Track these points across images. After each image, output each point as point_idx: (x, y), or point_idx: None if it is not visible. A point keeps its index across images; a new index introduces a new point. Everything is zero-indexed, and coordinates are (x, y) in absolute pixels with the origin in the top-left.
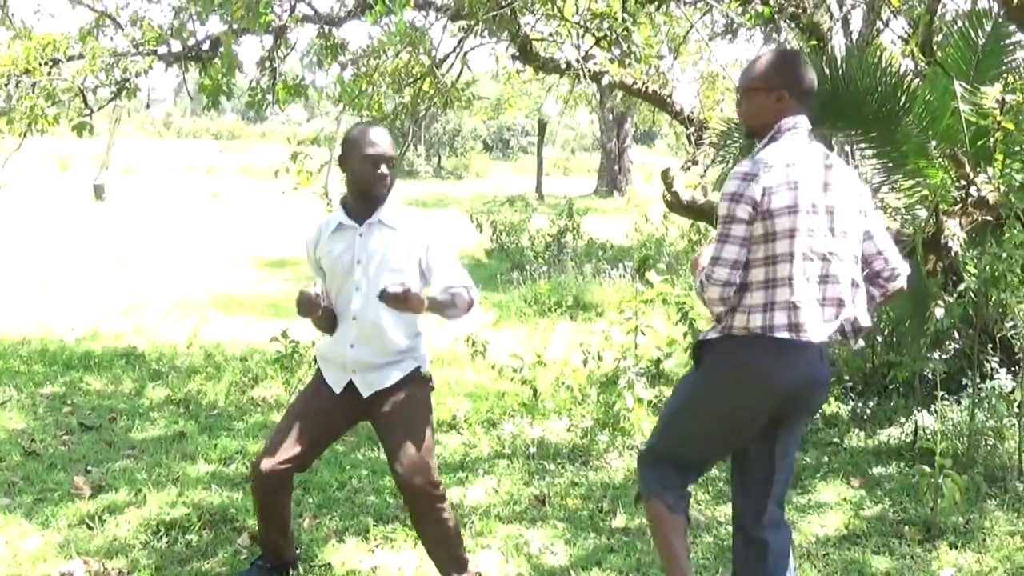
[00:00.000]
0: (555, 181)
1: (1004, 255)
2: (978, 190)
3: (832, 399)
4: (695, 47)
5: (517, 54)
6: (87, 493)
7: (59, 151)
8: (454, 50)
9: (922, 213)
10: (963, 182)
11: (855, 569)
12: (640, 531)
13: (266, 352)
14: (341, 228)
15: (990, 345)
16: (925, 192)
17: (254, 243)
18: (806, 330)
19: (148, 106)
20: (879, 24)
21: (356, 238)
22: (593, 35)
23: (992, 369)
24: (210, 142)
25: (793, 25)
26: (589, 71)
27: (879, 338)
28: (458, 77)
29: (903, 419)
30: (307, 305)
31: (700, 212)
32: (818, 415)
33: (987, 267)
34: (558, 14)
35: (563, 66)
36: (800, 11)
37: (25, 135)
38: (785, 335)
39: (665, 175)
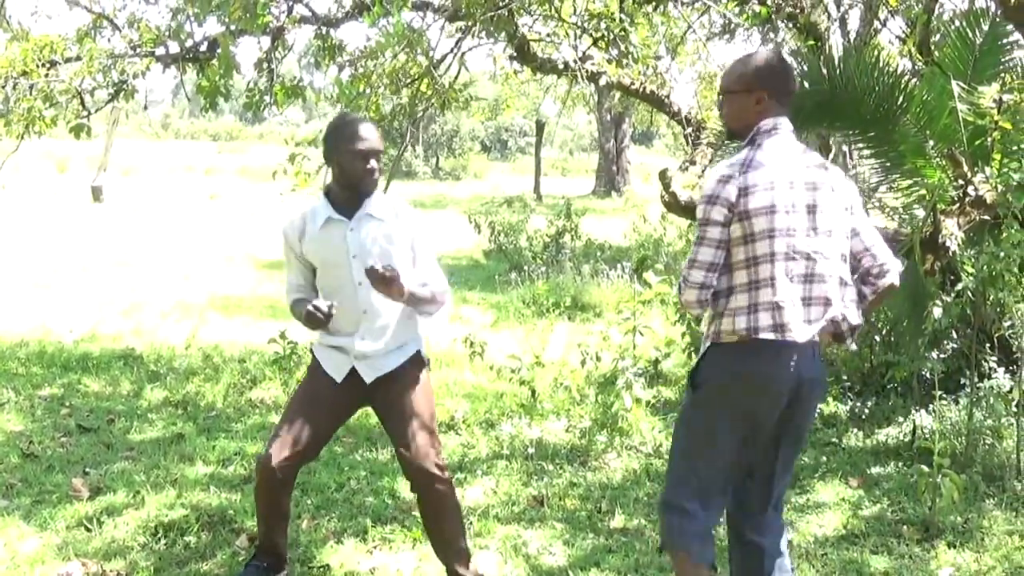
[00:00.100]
0: (553, 182)
1: (1002, 254)
2: (976, 189)
3: (830, 399)
4: (693, 47)
5: (515, 55)
6: (85, 495)
7: (57, 153)
8: (452, 51)
9: (920, 213)
10: (961, 181)
11: (853, 569)
12: (639, 531)
13: (264, 353)
14: (330, 222)
15: (988, 344)
16: (923, 192)
17: (252, 244)
18: (790, 330)
19: (146, 107)
20: (876, 24)
21: (347, 232)
22: (591, 35)
23: (990, 368)
24: (208, 143)
25: (790, 25)
26: (587, 72)
27: (877, 338)
28: (456, 78)
29: (901, 419)
30: (321, 323)
31: None
32: (816, 415)
33: (985, 266)
34: (556, 15)
35: (561, 67)
36: (797, 11)
37: (23, 137)
38: (770, 336)
39: (663, 175)
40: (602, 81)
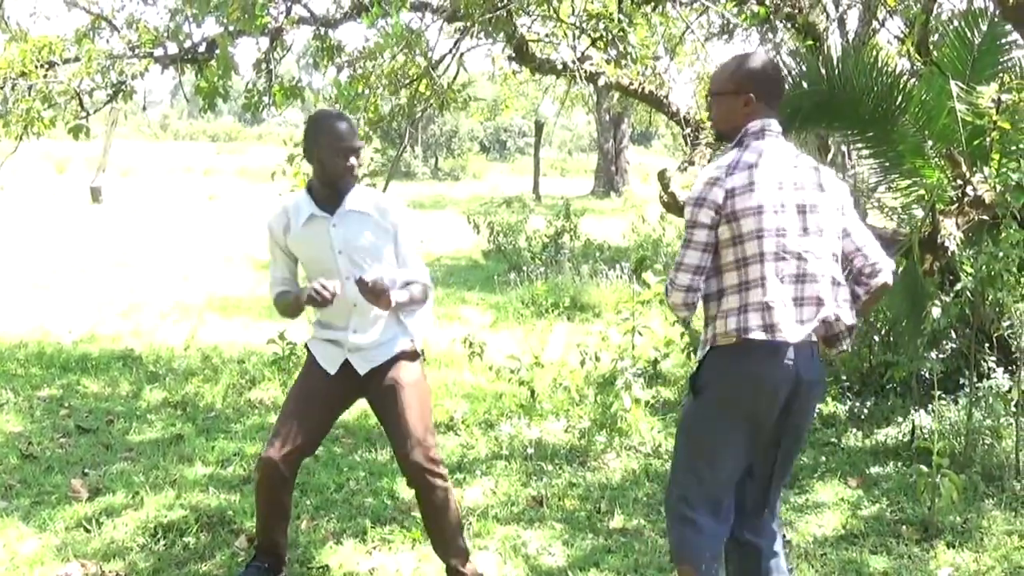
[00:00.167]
0: (552, 182)
1: (1000, 254)
2: (974, 189)
3: (829, 399)
4: (691, 48)
5: (513, 55)
6: (84, 496)
7: (56, 154)
8: (450, 51)
9: (919, 213)
10: (959, 181)
11: (852, 569)
12: (638, 532)
13: (263, 354)
14: (313, 219)
15: (987, 344)
16: (921, 192)
17: (251, 245)
18: (781, 330)
19: (144, 108)
20: (875, 24)
21: (330, 228)
22: (589, 36)
23: (989, 368)
24: (207, 144)
25: (789, 25)
26: (585, 72)
27: (876, 338)
28: (454, 78)
29: (900, 419)
30: (321, 304)
31: None
32: (815, 415)
33: (984, 266)
34: (554, 15)
35: (559, 67)
36: (796, 11)
37: (21, 138)
38: (761, 336)
39: (662, 176)
40: (601, 81)
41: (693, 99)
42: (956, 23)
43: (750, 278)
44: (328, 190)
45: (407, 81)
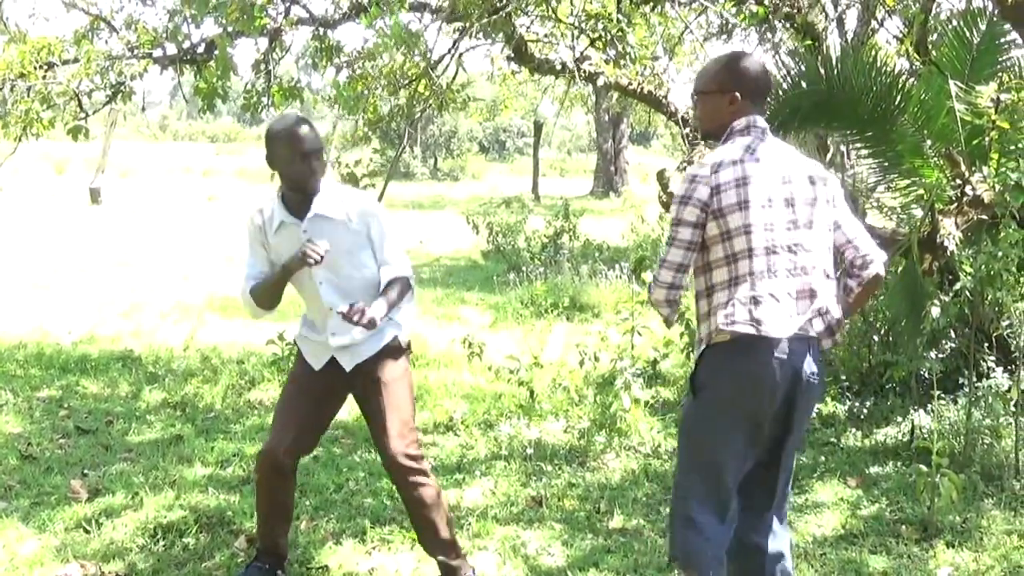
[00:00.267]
0: (551, 182)
1: (1000, 254)
2: (973, 189)
3: (829, 399)
4: (690, 48)
5: (512, 55)
6: (84, 497)
7: (55, 155)
8: (449, 52)
9: (918, 212)
10: (958, 181)
11: (852, 569)
12: (637, 532)
13: (263, 355)
14: (284, 226)
15: (986, 344)
16: (921, 191)
17: None
18: (769, 323)
19: (143, 109)
20: (874, 24)
21: (301, 235)
22: (588, 36)
23: (988, 368)
24: (206, 145)
25: (788, 25)
26: (584, 72)
27: (876, 338)
28: (453, 79)
29: (900, 418)
30: (308, 264)
31: None
32: (815, 415)
33: (983, 266)
34: (553, 15)
35: (558, 67)
36: (795, 11)
37: (20, 139)
38: (750, 330)
39: (661, 176)
40: (600, 81)
41: (692, 99)
42: (955, 23)
43: (739, 273)
44: (298, 196)
45: (406, 81)
